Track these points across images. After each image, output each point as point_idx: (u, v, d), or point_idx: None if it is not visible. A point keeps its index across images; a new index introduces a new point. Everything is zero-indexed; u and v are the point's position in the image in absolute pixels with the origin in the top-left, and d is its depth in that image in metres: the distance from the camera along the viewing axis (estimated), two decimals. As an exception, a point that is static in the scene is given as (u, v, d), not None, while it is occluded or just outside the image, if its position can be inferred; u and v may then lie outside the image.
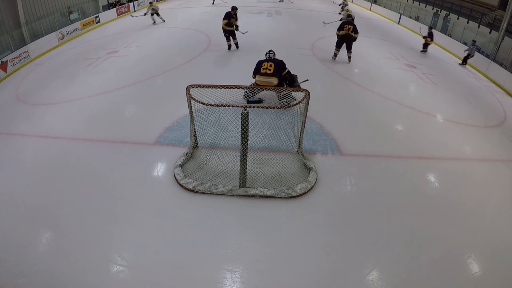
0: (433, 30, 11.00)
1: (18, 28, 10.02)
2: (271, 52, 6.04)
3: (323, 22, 12.22)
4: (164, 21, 13.12)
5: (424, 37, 10.96)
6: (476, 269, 3.29)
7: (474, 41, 10.34)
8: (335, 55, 8.75)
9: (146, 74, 7.56)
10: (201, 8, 16.00)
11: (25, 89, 7.19)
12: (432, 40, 10.90)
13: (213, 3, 17.20)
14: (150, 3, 13.64)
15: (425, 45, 11.01)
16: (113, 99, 6.44)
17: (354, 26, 8.22)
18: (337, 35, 8.43)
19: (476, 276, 3.22)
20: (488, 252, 3.48)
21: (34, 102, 6.47)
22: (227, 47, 9.23)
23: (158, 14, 12.88)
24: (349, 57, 8.67)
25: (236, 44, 9.28)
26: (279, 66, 5.79)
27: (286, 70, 5.86)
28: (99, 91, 6.77)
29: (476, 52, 10.18)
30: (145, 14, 12.84)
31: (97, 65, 8.45)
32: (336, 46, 8.63)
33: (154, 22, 12.90)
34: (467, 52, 10.22)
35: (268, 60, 5.84)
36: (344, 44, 8.44)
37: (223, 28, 8.74)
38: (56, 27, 11.11)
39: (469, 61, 10.46)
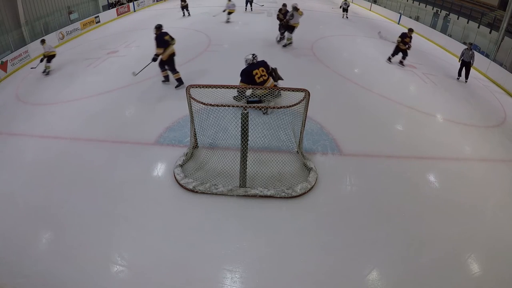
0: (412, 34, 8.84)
1: (18, 28, 10.04)
2: (254, 55, 5.83)
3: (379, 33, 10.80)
4: (47, 73, 7.85)
5: (409, 35, 8.58)
6: (476, 269, 3.29)
7: (470, 43, 8.56)
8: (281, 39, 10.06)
9: (146, 74, 7.55)
10: (201, 8, 15.98)
11: (25, 89, 7.21)
12: (410, 41, 8.66)
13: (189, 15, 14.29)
14: (43, 40, 8.12)
15: (398, 50, 8.80)
16: (113, 99, 6.45)
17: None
18: (289, 24, 9.37)
19: (476, 276, 3.23)
20: (488, 251, 3.48)
21: (34, 102, 6.48)
22: (163, 78, 6.93)
23: (49, 60, 7.89)
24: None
25: (179, 80, 6.63)
26: (266, 66, 5.72)
27: (270, 68, 5.78)
28: (99, 91, 6.77)
29: (475, 52, 8.35)
30: (41, 61, 7.87)
31: (97, 65, 8.46)
32: (282, 30, 9.92)
33: (46, 72, 7.89)
34: (461, 59, 8.38)
35: (257, 66, 5.59)
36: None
37: (163, 59, 6.44)
38: (56, 27, 11.12)
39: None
